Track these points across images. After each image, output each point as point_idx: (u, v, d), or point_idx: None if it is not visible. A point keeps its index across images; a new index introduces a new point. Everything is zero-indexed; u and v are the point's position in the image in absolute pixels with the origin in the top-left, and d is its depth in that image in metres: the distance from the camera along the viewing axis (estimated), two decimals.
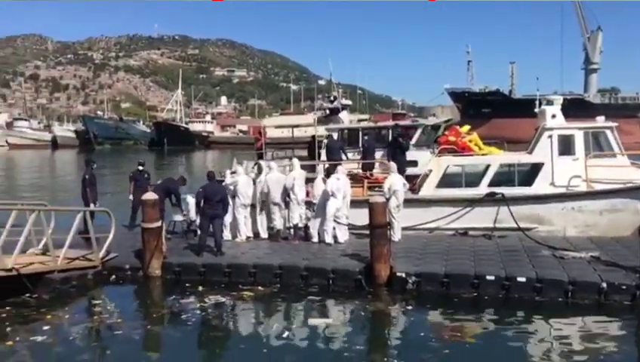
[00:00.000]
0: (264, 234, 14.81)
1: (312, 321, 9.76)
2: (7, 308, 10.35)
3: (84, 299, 11.54)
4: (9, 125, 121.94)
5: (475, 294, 10.70)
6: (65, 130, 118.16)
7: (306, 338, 9.09)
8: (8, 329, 9.38)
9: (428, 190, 15.30)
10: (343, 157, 17.75)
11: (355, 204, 14.23)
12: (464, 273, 11.02)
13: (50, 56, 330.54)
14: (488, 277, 10.73)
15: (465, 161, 15.63)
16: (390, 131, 18.28)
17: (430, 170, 15.59)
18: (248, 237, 14.68)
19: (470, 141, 16.45)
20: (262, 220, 14.88)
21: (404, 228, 14.21)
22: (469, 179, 15.43)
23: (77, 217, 12.45)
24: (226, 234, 14.25)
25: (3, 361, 8.20)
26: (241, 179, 14.65)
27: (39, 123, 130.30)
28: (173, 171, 44.39)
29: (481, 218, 14.52)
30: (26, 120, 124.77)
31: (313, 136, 19.09)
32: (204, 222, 13.16)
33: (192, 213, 14.98)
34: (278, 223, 14.57)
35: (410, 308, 10.49)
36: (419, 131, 18.53)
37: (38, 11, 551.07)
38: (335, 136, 19.16)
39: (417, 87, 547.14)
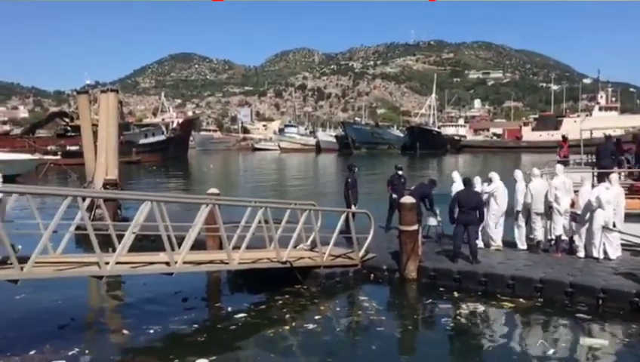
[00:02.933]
0: (522, 245, 14.11)
1: (584, 341, 9.04)
2: (286, 296, 11.60)
3: (348, 295, 12.32)
4: (281, 131, 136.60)
5: None
6: (327, 136, 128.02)
7: (574, 358, 8.50)
8: (287, 315, 10.48)
9: None
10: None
11: (631, 217, 12.71)
12: None
13: (316, 67, 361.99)
14: None
15: None
16: None
17: None
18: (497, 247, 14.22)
19: None
20: (520, 230, 14.21)
21: None
22: None
23: (341, 218, 13.34)
24: (478, 242, 13.89)
25: (281, 342, 9.24)
26: (498, 186, 14.19)
27: (305, 129, 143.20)
28: (425, 175, 44.94)
29: None
30: (294, 126, 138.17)
31: (618, 139, 17.39)
32: (459, 228, 13.02)
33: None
34: (539, 234, 13.74)
35: None
36: None
37: (308, 26, 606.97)
38: None
39: None
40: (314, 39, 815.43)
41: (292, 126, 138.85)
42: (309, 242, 13.27)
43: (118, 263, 9.38)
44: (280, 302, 11.26)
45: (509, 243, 14.33)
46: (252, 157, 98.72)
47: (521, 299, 11.06)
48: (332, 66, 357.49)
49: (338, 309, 11.18)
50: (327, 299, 11.63)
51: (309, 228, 12.74)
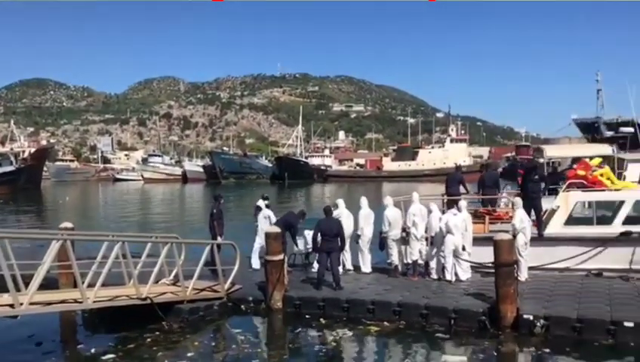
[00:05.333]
0: (367, 269, 14.79)
1: (445, 358, 9.65)
2: (156, 333, 11.19)
3: (218, 328, 12.08)
4: (144, 160, 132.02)
5: (612, 341, 9.89)
6: (194, 165, 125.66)
7: None
8: (159, 353, 10.18)
9: (555, 228, 14.49)
10: (463, 190, 17.09)
11: (477, 241, 13.77)
12: (599, 318, 10.23)
13: (182, 96, 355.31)
14: (626, 324, 9.89)
15: (596, 197, 14.65)
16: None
17: (557, 206, 14.76)
18: (348, 270, 14.79)
19: (602, 175, 15.39)
20: (364, 255, 14.87)
21: (529, 268, 13.52)
22: (601, 217, 14.43)
23: (205, 250, 13.10)
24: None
25: None
26: (342, 212, 14.76)
27: (171, 158, 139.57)
28: (293, 204, 45.59)
29: (614, 259, 13.49)
30: (159, 156, 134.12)
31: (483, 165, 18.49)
32: (322, 256, 13.31)
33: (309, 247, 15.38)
34: (396, 258, 14.44)
35: (539, 352, 9.91)
36: None
37: (173, 55, 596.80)
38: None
39: (542, 117, 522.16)
40: (179, 68, 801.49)
41: (156, 155, 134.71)
42: (171, 276, 12.87)
43: None
44: (149, 339, 10.84)
45: (376, 268, 14.94)
46: (113, 189, 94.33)
47: (385, 323, 11.51)
48: (198, 95, 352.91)
49: (213, 344, 11.00)
50: (199, 335, 11.37)
51: (172, 261, 12.38)
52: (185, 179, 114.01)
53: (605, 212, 14.57)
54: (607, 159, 16.27)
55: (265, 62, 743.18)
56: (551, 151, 16.79)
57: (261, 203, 16.43)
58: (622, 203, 14.15)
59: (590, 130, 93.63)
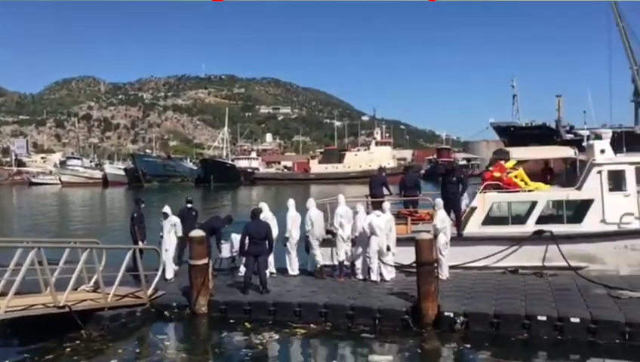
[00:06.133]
0: (293, 272, 14.86)
1: (371, 358, 9.82)
2: (77, 342, 10.82)
3: (142, 335, 11.79)
4: (62, 163, 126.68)
5: (527, 335, 10.40)
6: (115, 168, 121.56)
7: None
8: None
9: (473, 227, 15.05)
10: (386, 192, 17.38)
11: (399, 241, 14.09)
12: (514, 313, 10.73)
13: (103, 97, 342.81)
14: (540, 318, 10.43)
15: (510, 198, 15.32)
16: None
17: (475, 207, 15.35)
18: (271, 273, 14.67)
19: (516, 177, 16.12)
20: (291, 257, 14.94)
21: (449, 267, 13.97)
22: (516, 216, 15.12)
23: (127, 255, 12.73)
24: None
25: None
26: (267, 215, 14.75)
27: (91, 161, 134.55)
28: (219, 208, 45.03)
29: (528, 256, 14.17)
30: (78, 158, 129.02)
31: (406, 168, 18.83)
32: (249, 259, 13.23)
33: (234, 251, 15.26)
34: (321, 260, 14.56)
35: (460, 348, 10.29)
36: None
37: (92, 54, 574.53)
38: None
39: (462, 121, 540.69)
40: (99, 68, 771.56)
41: (75, 158, 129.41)
42: (91, 283, 12.42)
43: None
44: (69, 349, 10.48)
45: (303, 270, 14.96)
46: (29, 193, 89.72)
47: (312, 325, 11.57)
48: (120, 96, 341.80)
49: (137, 351, 10.77)
50: (122, 342, 11.08)
51: (92, 267, 11.95)
52: (106, 182, 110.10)
53: (519, 212, 15.26)
54: (568, 161, 16.99)
55: (189, 62, 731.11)
56: (517, 153, 17.26)
57: (167, 209, 15.64)
58: (535, 203, 14.89)
59: (506, 134, 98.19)
